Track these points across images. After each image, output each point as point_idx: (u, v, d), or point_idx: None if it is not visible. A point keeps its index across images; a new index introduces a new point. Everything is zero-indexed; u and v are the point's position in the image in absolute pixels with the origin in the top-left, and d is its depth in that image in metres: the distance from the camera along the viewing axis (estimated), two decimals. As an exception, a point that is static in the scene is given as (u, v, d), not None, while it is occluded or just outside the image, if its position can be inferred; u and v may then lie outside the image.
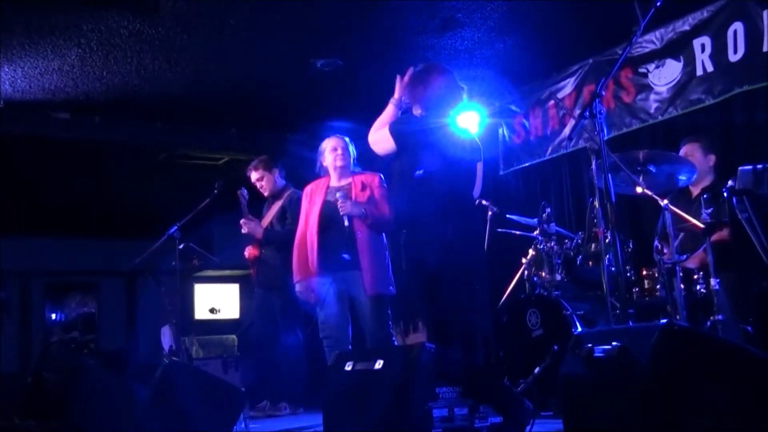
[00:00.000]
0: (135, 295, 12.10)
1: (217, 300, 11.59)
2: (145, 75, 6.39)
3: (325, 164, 5.14)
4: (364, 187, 4.97)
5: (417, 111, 4.10)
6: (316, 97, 7.13)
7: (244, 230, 5.91)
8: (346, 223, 4.77)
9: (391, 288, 4.85)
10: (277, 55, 6.20)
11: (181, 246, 5.87)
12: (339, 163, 5.02)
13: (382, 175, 5.03)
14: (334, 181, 5.09)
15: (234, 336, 9.89)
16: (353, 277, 4.85)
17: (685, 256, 4.26)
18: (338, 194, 4.85)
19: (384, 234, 4.96)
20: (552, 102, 6.73)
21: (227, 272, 11.19)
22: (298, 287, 5.01)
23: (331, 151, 5.09)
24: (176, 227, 5.81)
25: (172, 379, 4.22)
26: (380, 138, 4.04)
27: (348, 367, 3.55)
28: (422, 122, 4.02)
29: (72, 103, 6.95)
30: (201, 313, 11.44)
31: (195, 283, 11.50)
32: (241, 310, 11.63)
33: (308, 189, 5.21)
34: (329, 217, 4.89)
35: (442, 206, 3.87)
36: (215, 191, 5.88)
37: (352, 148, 5.16)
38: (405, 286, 4.18)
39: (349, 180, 5.05)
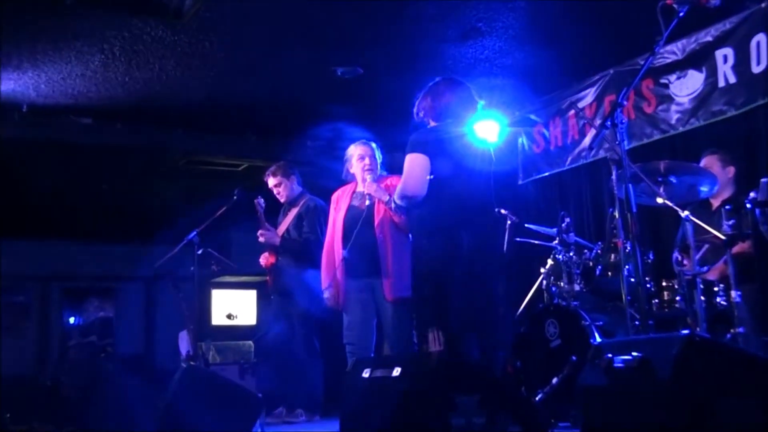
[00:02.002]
0: (153, 300, 12.15)
1: (234, 306, 11.61)
2: (167, 81, 6.43)
3: (352, 171, 5.16)
4: (388, 187, 4.99)
5: (431, 123, 4.14)
6: (336, 105, 7.15)
7: (261, 240, 5.93)
8: (367, 202, 4.80)
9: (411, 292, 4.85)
10: (298, 63, 6.23)
11: (199, 251, 5.89)
12: (369, 176, 5.02)
13: None
14: (360, 187, 5.11)
15: (251, 342, 9.90)
16: (379, 283, 4.85)
17: (706, 268, 4.23)
18: (368, 176, 4.93)
19: (408, 238, 4.96)
20: (572, 112, 6.72)
21: (245, 278, 11.22)
22: (326, 293, 5.02)
23: (358, 160, 5.10)
24: (195, 233, 5.84)
25: (189, 384, 4.24)
26: (408, 173, 4.01)
27: (366, 374, 3.54)
28: (437, 131, 4.04)
29: (94, 109, 7.01)
30: (218, 318, 11.46)
31: (212, 289, 11.53)
32: (258, 316, 11.64)
33: (335, 196, 5.24)
34: (354, 222, 4.90)
35: (459, 214, 3.88)
36: (234, 198, 5.89)
37: (378, 154, 5.17)
38: (419, 294, 4.18)
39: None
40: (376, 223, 4.87)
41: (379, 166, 5.15)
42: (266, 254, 6.02)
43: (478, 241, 3.91)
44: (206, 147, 8.07)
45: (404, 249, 4.87)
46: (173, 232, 6.05)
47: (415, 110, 4.24)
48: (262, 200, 5.93)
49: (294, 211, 6.03)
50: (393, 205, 4.72)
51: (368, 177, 4.96)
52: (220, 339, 10.05)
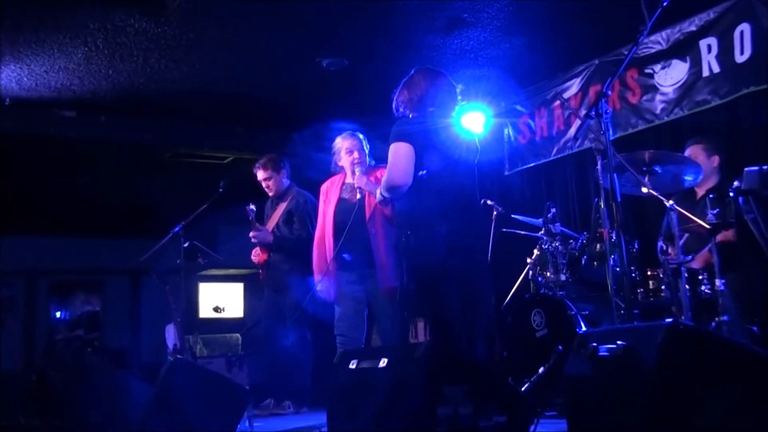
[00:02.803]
0: (139, 293, 12.10)
1: (221, 299, 11.59)
2: (151, 73, 6.39)
3: (340, 164, 5.15)
4: (377, 180, 4.98)
5: (410, 114, 4.13)
6: (322, 96, 7.13)
7: (254, 240, 5.91)
8: (358, 195, 4.80)
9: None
10: (283, 54, 6.20)
11: (185, 244, 5.87)
12: (358, 169, 5.01)
13: None
14: (349, 178, 5.10)
15: (238, 335, 9.90)
16: (371, 275, 4.86)
17: (690, 257, 4.25)
18: (357, 169, 4.93)
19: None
20: (557, 102, 6.73)
21: (232, 271, 11.20)
22: (318, 286, 5.02)
23: (347, 153, 5.08)
24: (181, 226, 5.82)
25: (177, 377, 4.23)
26: (393, 163, 4.00)
27: (352, 365, 3.54)
28: (420, 121, 4.03)
29: (78, 102, 6.97)
30: (205, 311, 11.45)
31: (199, 282, 11.51)
32: (246, 309, 11.63)
33: (324, 187, 5.23)
34: (344, 215, 4.89)
35: (446, 206, 3.89)
36: (220, 190, 5.87)
37: (365, 145, 5.15)
38: (407, 286, 4.18)
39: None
40: (367, 216, 4.86)
41: (367, 157, 5.14)
42: (257, 250, 5.99)
43: (463, 232, 3.91)
44: (192, 139, 8.03)
45: (392, 241, 4.87)
46: (159, 226, 6.03)
47: (394, 105, 4.23)
48: (253, 208, 5.90)
49: (283, 206, 6.01)
50: (380, 197, 4.70)
51: (358, 170, 4.95)
52: (208, 332, 10.04)
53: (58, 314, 12.20)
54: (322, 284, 5.01)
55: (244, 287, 11.71)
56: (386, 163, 5.07)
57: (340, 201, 5.01)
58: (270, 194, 6.11)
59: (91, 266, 11.87)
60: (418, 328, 5.23)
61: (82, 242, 11.56)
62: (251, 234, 5.86)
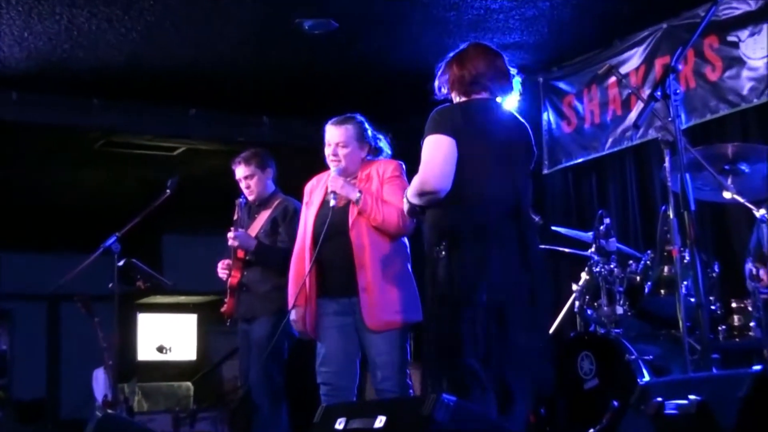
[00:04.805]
0: (59, 326, 12.10)
1: (167, 335, 11.61)
2: (79, 37, 6.41)
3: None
4: (368, 179, 4.97)
5: (456, 98, 4.16)
6: (303, 68, 7.15)
7: (232, 242, 5.89)
8: (332, 203, 4.80)
9: (405, 316, 4.84)
10: (253, 13, 6.22)
11: (121, 263, 5.87)
12: (333, 168, 5.00)
13: (402, 163, 5.01)
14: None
15: (189, 384, 9.90)
16: (359, 302, 4.85)
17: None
18: (333, 170, 4.92)
19: (403, 244, 4.96)
20: (613, 79, 6.74)
21: (182, 299, 11.23)
22: (292, 314, 5.01)
23: (326, 147, 5.09)
24: (115, 238, 5.81)
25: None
26: (428, 161, 4.01)
27: (339, 425, 3.55)
28: (467, 108, 4.06)
29: (-20, 73, 7.01)
30: (146, 352, 11.47)
31: (139, 313, 11.53)
32: (200, 349, 11.65)
33: (309, 186, 5.23)
34: (328, 224, 4.89)
35: (487, 217, 3.89)
36: (167, 191, 5.87)
37: (360, 131, 5.12)
38: (431, 322, 4.17)
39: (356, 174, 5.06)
40: (350, 223, 4.87)
41: (367, 149, 5.11)
42: (228, 267, 5.94)
43: (515, 255, 3.92)
44: (130, 123, 8.05)
45: (390, 257, 4.87)
46: (86, 237, 6.04)
47: (436, 84, 4.26)
48: (243, 200, 5.90)
49: (266, 214, 6.00)
50: (408, 205, 4.64)
51: (332, 169, 4.93)
52: (149, 379, 10.04)
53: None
54: (296, 312, 5.00)
55: (198, 320, 11.73)
56: (383, 155, 5.10)
57: (324, 204, 5.01)
58: (250, 198, 6.09)
59: (-5, 290, 11.88)
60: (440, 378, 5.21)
61: (-17, 258, 11.58)
62: (229, 234, 5.84)
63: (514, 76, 4.27)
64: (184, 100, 7.91)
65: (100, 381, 8.45)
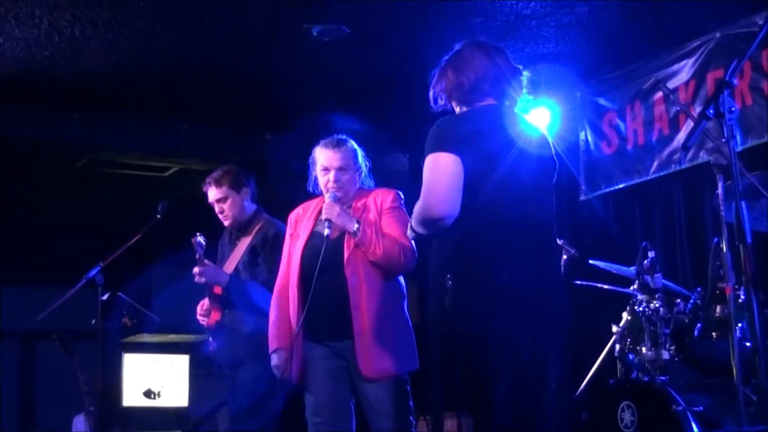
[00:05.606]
0: (34, 367, 12.12)
1: (156, 378, 11.59)
2: (60, 43, 6.45)
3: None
4: (365, 209, 4.98)
5: (457, 108, 4.12)
6: (311, 78, 7.18)
7: (199, 279, 5.88)
8: (326, 232, 4.79)
9: (403, 365, 4.84)
10: (258, 19, 6.26)
11: (105, 296, 5.88)
12: (328, 195, 5.01)
13: (400, 193, 5.03)
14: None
15: (180, 432, 9.89)
16: (352, 347, 4.85)
17: None
18: (328, 196, 4.91)
19: (399, 282, 4.97)
20: (659, 94, 6.75)
21: (172, 337, 11.21)
22: (274, 358, 5.01)
23: (322, 172, 5.10)
24: (98, 268, 5.82)
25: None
26: (430, 184, 3.96)
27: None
28: (471, 118, 4.01)
29: (-50, 83, 7.07)
30: (132, 397, 11.44)
31: (125, 353, 11.52)
32: (192, 394, 11.64)
33: (293, 216, 5.23)
34: (316, 258, 4.88)
35: (502, 244, 3.87)
36: (158, 216, 5.89)
37: (359, 157, 5.16)
38: (438, 363, 4.16)
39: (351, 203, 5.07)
40: (345, 258, 4.87)
41: (361, 175, 5.13)
42: (205, 304, 5.95)
43: (533, 285, 3.90)
44: (117, 140, 8.08)
45: (387, 297, 4.87)
46: (66, 267, 6.05)
47: (431, 95, 4.21)
48: (201, 239, 5.88)
49: (246, 241, 6.00)
50: (411, 233, 4.62)
51: (328, 196, 4.93)
52: (135, 427, 10.03)
53: None
54: (278, 356, 5.00)
55: (191, 362, 11.72)
56: (393, 178, 5.10)
57: (313, 236, 5.01)
58: (226, 223, 6.10)
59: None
60: (449, 424, 5.21)
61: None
62: (195, 270, 5.83)
63: (521, 72, 4.19)
64: (177, 114, 7.95)
65: (80, 428, 8.47)
